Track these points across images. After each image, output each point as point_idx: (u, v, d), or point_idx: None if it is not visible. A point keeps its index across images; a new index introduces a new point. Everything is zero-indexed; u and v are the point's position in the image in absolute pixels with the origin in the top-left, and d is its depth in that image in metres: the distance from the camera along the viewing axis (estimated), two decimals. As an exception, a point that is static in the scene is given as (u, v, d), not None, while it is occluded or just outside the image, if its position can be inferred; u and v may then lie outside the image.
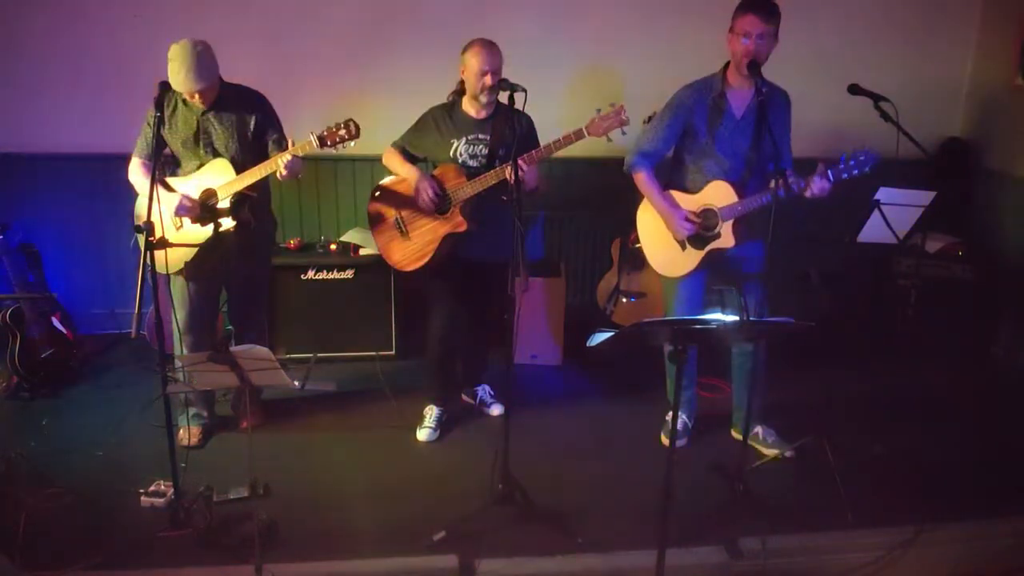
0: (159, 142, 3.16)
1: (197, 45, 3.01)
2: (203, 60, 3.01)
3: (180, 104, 3.20)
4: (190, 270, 3.26)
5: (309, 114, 3.70)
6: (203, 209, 3.17)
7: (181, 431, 3.41)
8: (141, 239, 2.67)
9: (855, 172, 2.91)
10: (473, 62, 3.18)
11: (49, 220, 4.38)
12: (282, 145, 3.25)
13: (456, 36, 3.32)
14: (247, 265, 3.37)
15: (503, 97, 3.08)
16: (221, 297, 3.54)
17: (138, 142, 3.27)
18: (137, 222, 3.28)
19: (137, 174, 3.26)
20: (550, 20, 4.42)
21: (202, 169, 3.23)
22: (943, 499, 3.02)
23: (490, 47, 3.19)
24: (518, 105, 2.99)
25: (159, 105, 2.96)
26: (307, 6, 4.29)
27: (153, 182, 2.76)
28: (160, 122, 3.02)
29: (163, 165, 3.31)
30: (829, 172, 2.92)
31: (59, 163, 4.32)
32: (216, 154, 3.23)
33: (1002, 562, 2.88)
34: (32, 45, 4.19)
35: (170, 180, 3.26)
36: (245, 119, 3.23)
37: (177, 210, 3.14)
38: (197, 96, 3.07)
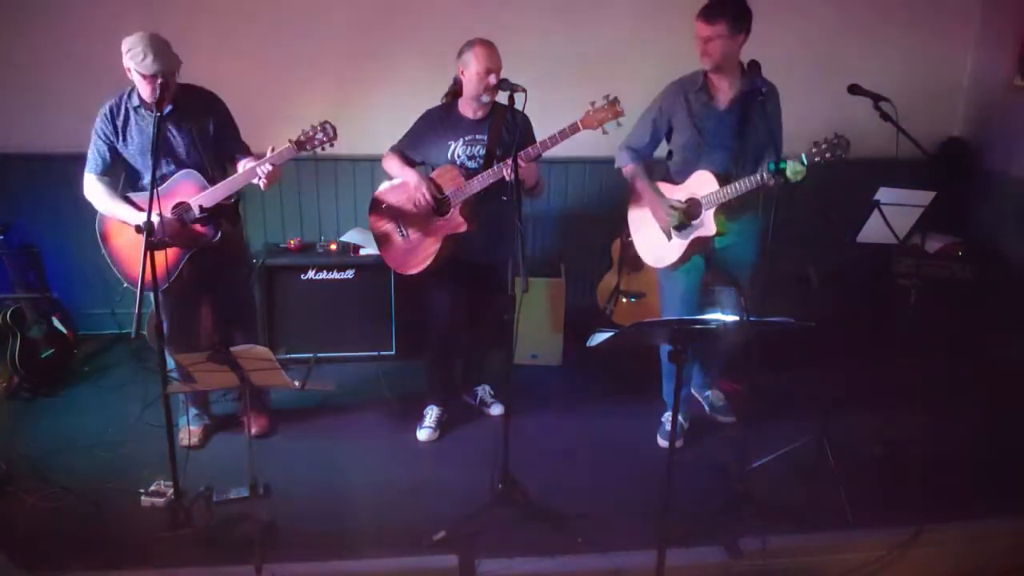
0: (115, 156, 3.09)
1: (155, 34, 2.92)
2: (165, 44, 2.92)
3: (131, 113, 3.07)
4: (170, 285, 3.14)
5: (308, 115, 3.69)
6: (180, 224, 3.04)
7: (182, 432, 3.40)
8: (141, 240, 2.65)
9: (827, 155, 2.88)
10: (475, 63, 3.17)
11: (49, 220, 4.37)
12: (237, 147, 3.15)
13: (453, 35, 3.32)
14: (223, 271, 3.31)
15: (503, 97, 3.08)
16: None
17: (89, 157, 3.13)
18: (100, 236, 3.22)
19: (95, 191, 3.13)
20: (545, 19, 4.41)
21: (169, 182, 3.08)
22: (943, 499, 3.02)
23: (490, 47, 3.19)
24: (518, 105, 2.99)
25: (159, 105, 2.85)
26: (304, 6, 4.29)
27: (153, 182, 2.71)
28: (158, 125, 2.81)
29: (119, 181, 3.18)
30: (802, 156, 2.92)
31: (59, 163, 4.31)
32: (178, 162, 3.10)
33: (1002, 562, 2.88)
34: (32, 45, 4.19)
35: (134, 197, 3.13)
36: (203, 122, 3.11)
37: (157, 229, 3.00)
38: (159, 83, 2.89)
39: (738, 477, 3.05)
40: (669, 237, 3.28)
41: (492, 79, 3.16)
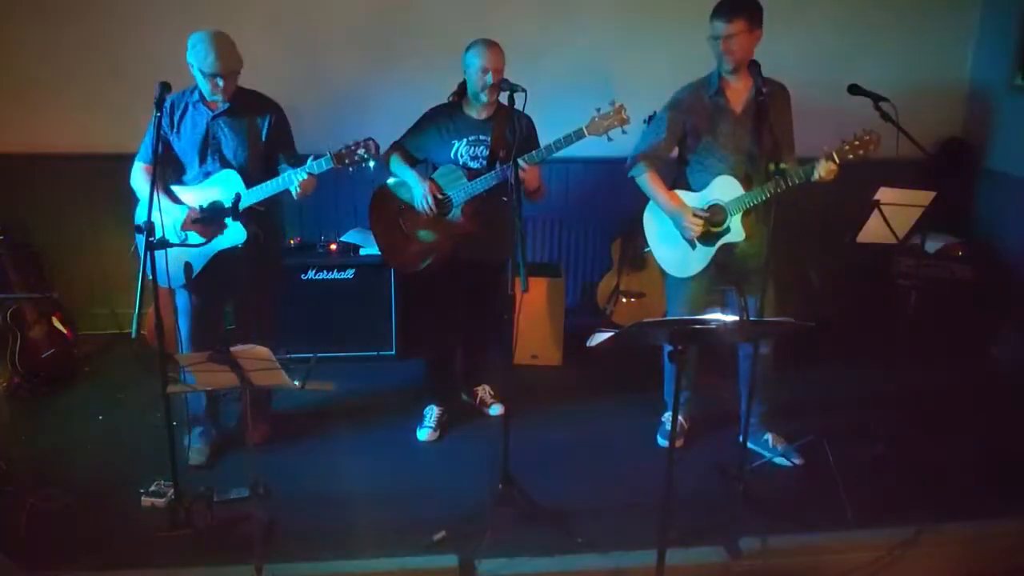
0: (166, 148, 3.08)
1: (220, 33, 2.98)
2: (231, 44, 2.99)
3: (190, 107, 3.12)
4: (195, 284, 3.18)
5: (310, 115, 3.70)
6: (210, 214, 3.06)
7: (191, 453, 3.32)
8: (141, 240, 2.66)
9: (860, 152, 2.91)
10: (476, 61, 3.18)
11: (49, 220, 4.38)
12: (291, 158, 3.15)
13: (458, 36, 3.32)
14: (255, 280, 3.27)
15: (503, 98, 3.08)
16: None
17: (142, 145, 3.17)
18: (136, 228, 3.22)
19: (139, 179, 3.16)
20: (550, 20, 4.42)
21: (209, 180, 3.12)
22: (943, 499, 3.02)
23: (492, 46, 3.20)
24: (518, 105, 2.98)
25: (159, 105, 2.86)
26: (309, 6, 4.29)
27: (153, 184, 2.73)
28: (159, 124, 2.89)
29: (168, 171, 3.19)
30: (833, 154, 2.93)
31: (59, 163, 4.33)
32: (224, 161, 3.12)
33: (1002, 562, 2.88)
34: (31, 45, 4.19)
35: (176, 189, 3.16)
36: (257, 126, 3.14)
37: (184, 224, 3.06)
38: (221, 84, 2.98)
39: (738, 477, 3.05)
40: (693, 246, 3.22)
41: (491, 78, 3.16)
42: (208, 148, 3.12)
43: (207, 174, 3.13)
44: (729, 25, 2.99)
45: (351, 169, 3.05)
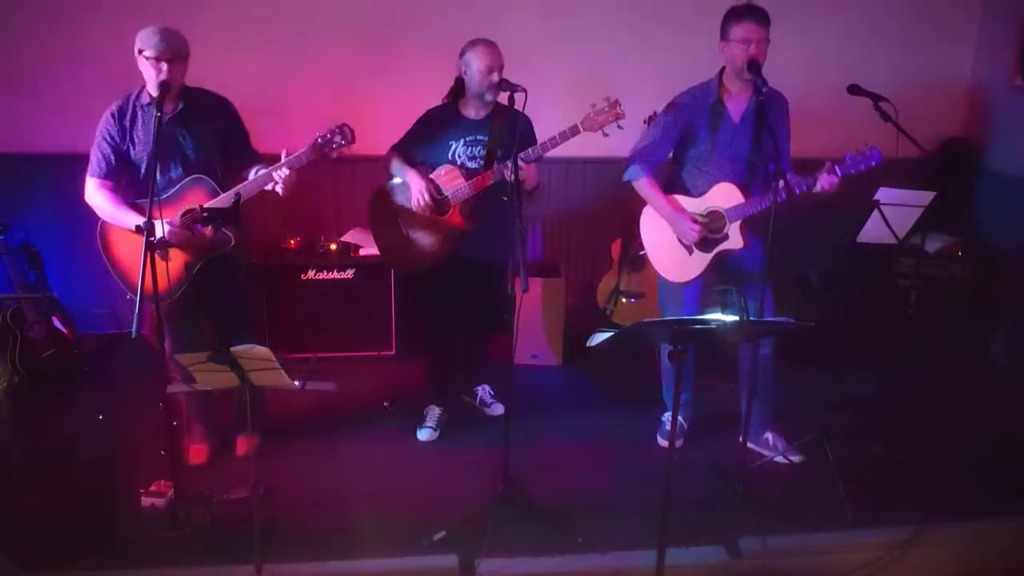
0: (120, 159, 2.98)
1: (166, 26, 2.87)
2: (176, 32, 2.87)
3: (139, 112, 2.96)
4: (169, 306, 3.02)
5: (309, 118, 3.70)
6: (190, 232, 2.94)
7: (188, 451, 3.32)
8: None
9: (861, 167, 2.92)
10: (478, 61, 3.18)
11: (49, 220, 4.37)
12: (247, 152, 3.09)
13: (454, 36, 3.32)
14: (228, 289, 3.17)
15: (503, 98, 3.09)
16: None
17: (91, 161, 3.00)
18: (101, 245, 3.10)
19: (97, 197, 3.00)
20: (547, 21, 4.42)
21: (177, 188, 2.98)
22: (943, 499, 3.02)
23: (492, 45, 3.21)
24: (518, 106, 2.99)
25: (160, 106, 2.77)
26: (304, 9, 4.29)
27: (153, 183, 2.68)
28: (159, 124, 2.74)
29: (124, 187, 3.06)
30: (836, 168, 2.93)
31: (59, 163, 4.31)
32: (187, 166, 2.98)
33: (1002, 562, 2.88)
34: (31, 45, 4.19)
35: (141, 203, 2.95)
36: (213, 123, 3.02)
37: (168, 237, 2.89)
38: (165, 68, 2.81)
39: (738, 477, 3.05)
40: (691, 252, 3.21)
41: (495, 76, 3.17)
42: (168, 154, 2.94)
43: (171, 181, 2.98)
44: (762, 29, 2.98)
45: (333, 156, 2.98)
